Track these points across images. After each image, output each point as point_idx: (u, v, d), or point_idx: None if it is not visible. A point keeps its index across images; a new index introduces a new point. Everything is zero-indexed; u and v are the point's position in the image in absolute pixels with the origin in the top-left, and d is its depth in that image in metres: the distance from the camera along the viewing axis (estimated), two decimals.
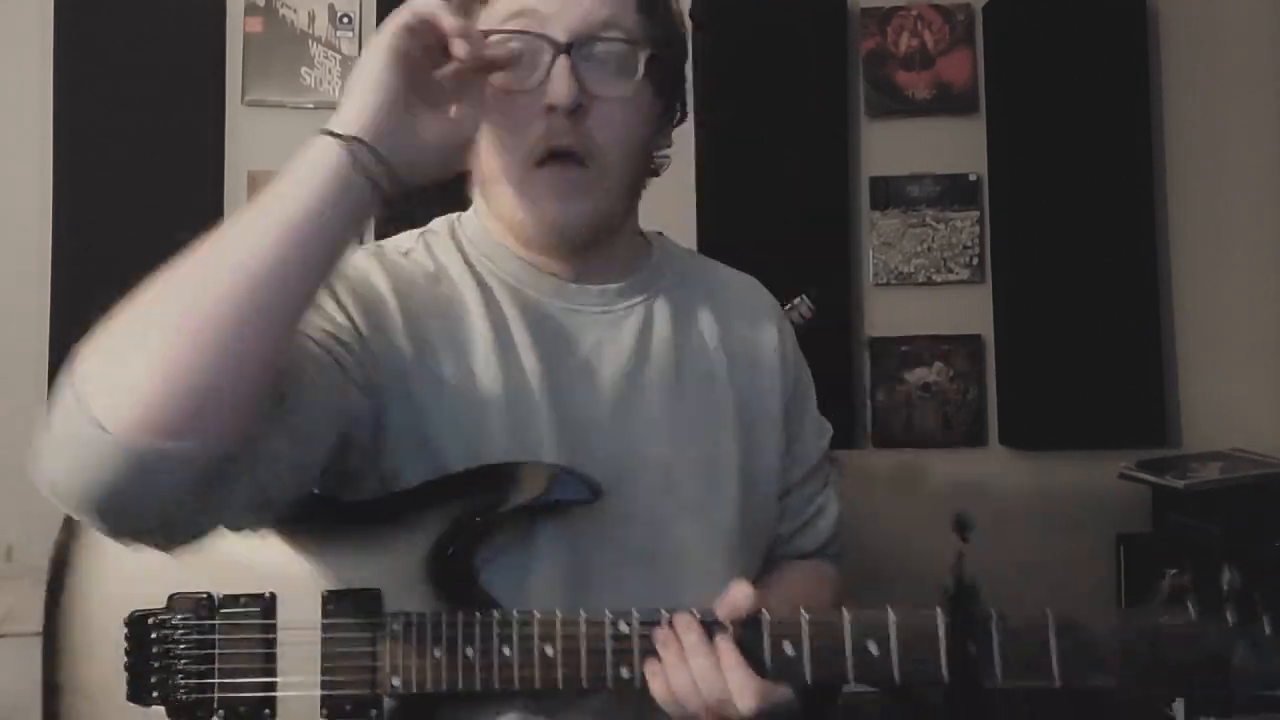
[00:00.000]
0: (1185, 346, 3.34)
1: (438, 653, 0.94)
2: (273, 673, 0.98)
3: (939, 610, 0.88)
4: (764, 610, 0.91)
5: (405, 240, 1.15)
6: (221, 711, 0.99)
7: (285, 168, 0.84)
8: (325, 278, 0.82)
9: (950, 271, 3.36)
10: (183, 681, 1.00)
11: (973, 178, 3.37)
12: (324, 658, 0.97)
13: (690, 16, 3.27)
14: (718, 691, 0.87)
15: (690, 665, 0.88)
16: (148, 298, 0.82)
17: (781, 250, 3.24)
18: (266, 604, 0.99)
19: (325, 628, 0.97)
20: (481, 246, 1.11)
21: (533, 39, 0.97)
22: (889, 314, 3.35)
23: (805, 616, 0.90)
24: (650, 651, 0.91)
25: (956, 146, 3.37)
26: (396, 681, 0.95)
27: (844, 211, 3.34)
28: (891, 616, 0.89)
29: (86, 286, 3.13)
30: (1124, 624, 0.87)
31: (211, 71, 3.28)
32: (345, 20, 3.33)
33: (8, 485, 3.06)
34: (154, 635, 1.02)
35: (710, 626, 0.90)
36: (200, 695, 0.99)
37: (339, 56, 3.32)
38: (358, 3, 3.33)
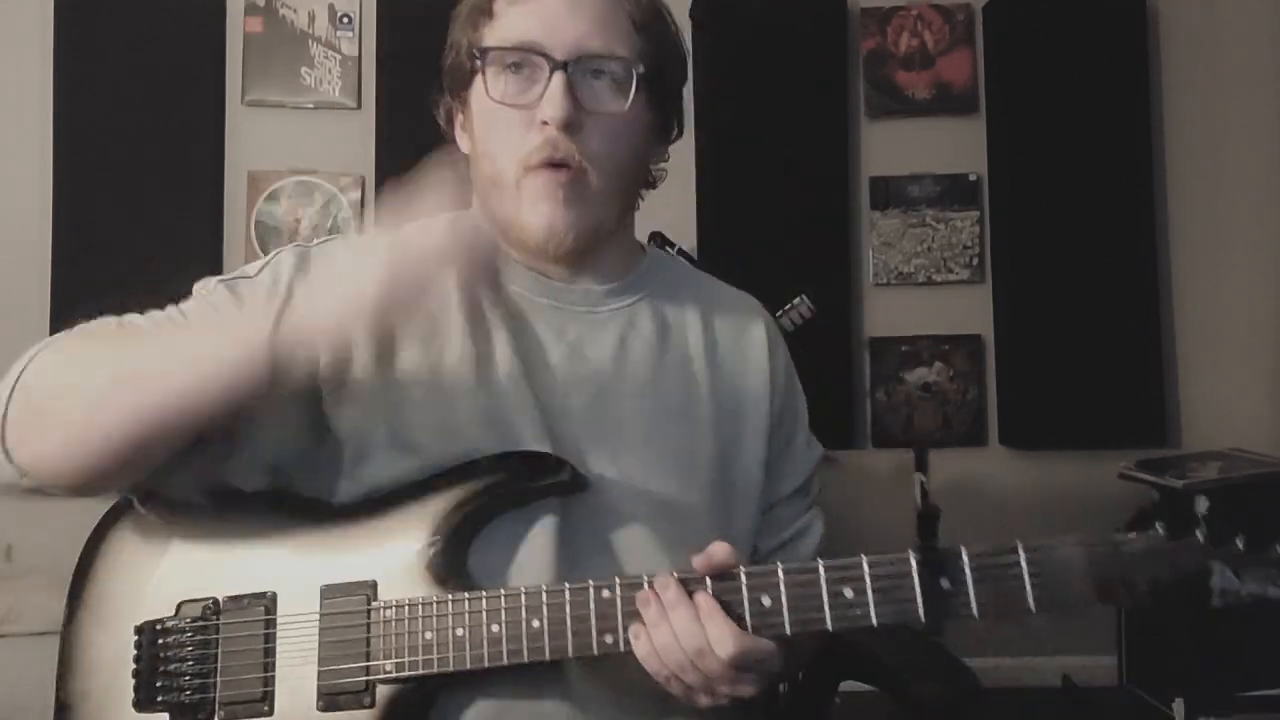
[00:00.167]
0: (1185, 346, 3.35)
1: (429, 635, 0.96)
2: (271, 667, 0.99)
3: (911, 553, 0.89)
4: (741, 566, 0.93)
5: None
6: (222, 712, 1.00)
7: (227, 323, 0.96)
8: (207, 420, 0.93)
9: (950, 271, 3.36)
10: (187, 683, 1.01)
11: (973, 178, 3.37)
12: (321, 649, 0.99)
13: (690, 16, 3.28)
14: (698, 642, 0.88)
15: (670, 619, 0.90)
16: (74, 377, 0.94)
17: (781, 250, 3.25)
18: (268, 602, 1.01)
19: (323, 619, 0.99)
20: None
21: (532, 55, 1.01)
22: (889, 314, 3.36)
23: (781, 568, 0.92)
24: (633, 616, 0.93)
25: (956, 146, 3.37)
26: (390, 666, 0.97)
27: (844, 211, 3.35)
28: (865, 562, 0.91)
29: (86, 286, 3.15)
30: (1094, 545, 0.87)
31: (211, 71, 3.29)
32: (345, 20, 3.33)
33: None
34: (161, 641, 1.03)
35: (689, 583, 0.92)
36: (202, 695, 1.01)
37: (339, 56, 3.32)
38: (358, 3, 3.34)
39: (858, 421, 3.32)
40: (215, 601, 1.02)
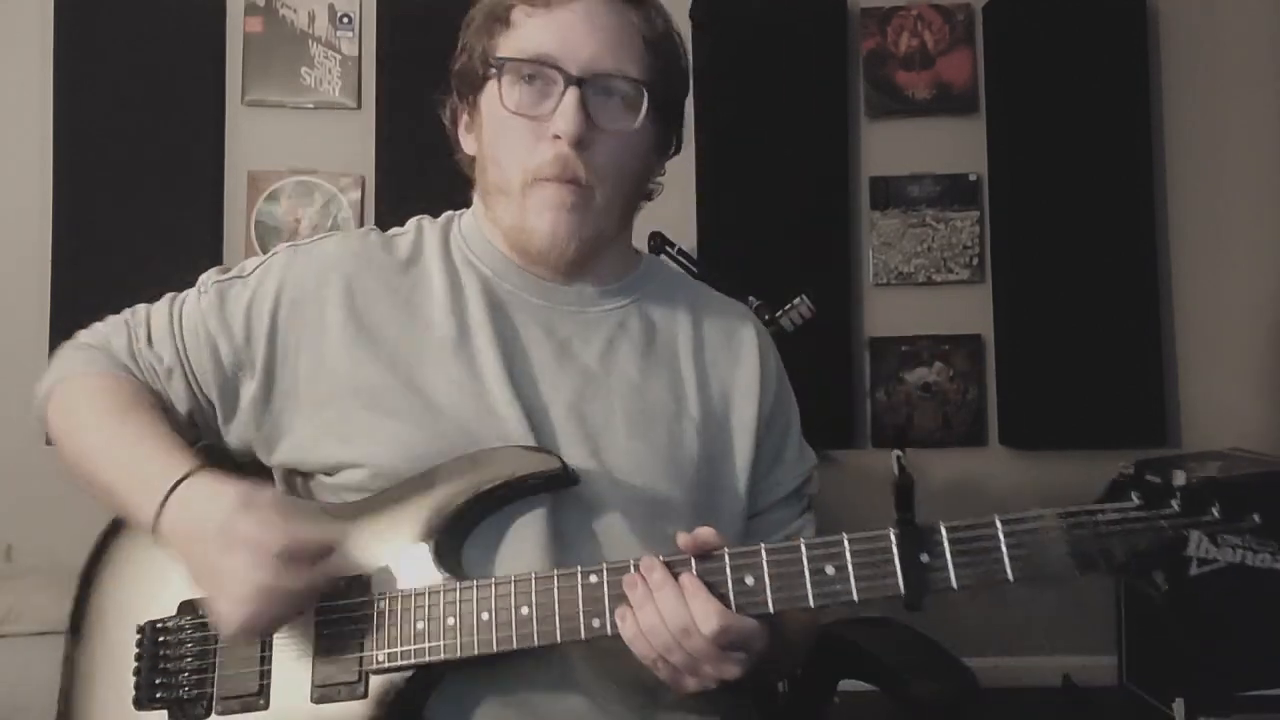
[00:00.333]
0: (1185, 346, 3.35)
1: (420, 625, 0.98)
2: (268, 661, 1.01)
3: (891, 529, 0.91)
4: (725, 547, 0.95)
5: (406, 225, 1.21)
6: (219, 706, 1.01)
7: (156, 450, 1.06)
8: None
9: (950, 271, 3.36)
10: (185, 680, 1.03)
11: (973, 178, 3.37)
12: (316, 642, 1.00)
13: (690, 16, 3.28)
14: (683, 620, 0.90)
15: (656, 600, 0.91)
16: (62, 424, 1.16)
17: (781, 250, 3.25)
18: None
19: (319, 612, 1.01)
20: (471, 241, 1.16)
21: (547, 69, 1.04)
22: (889, 314, 3.36)
23: (764, 548, 0.93)
24: (620, 600, 0.94)
25: (956, 146, 3.37)
26: (382, 657, 0.98)
27: (844, 211, 3.34)
28: (846, 539, 0.92)
29: (86, 286, 3.14)
30: (1071, 516, 0.89)
31: (211, 71, 3.29)
32: (345, 20, 3.33)
33: (8, 485, 3.08)
34: (161, 640, 1.05)
35: (674, 565, 0.93)
36: (200, 691, 1.02)
37: (339, 56, 3.32)
38: (358, 3, 3.34)
39: (858, 421, 3.32)
40: None
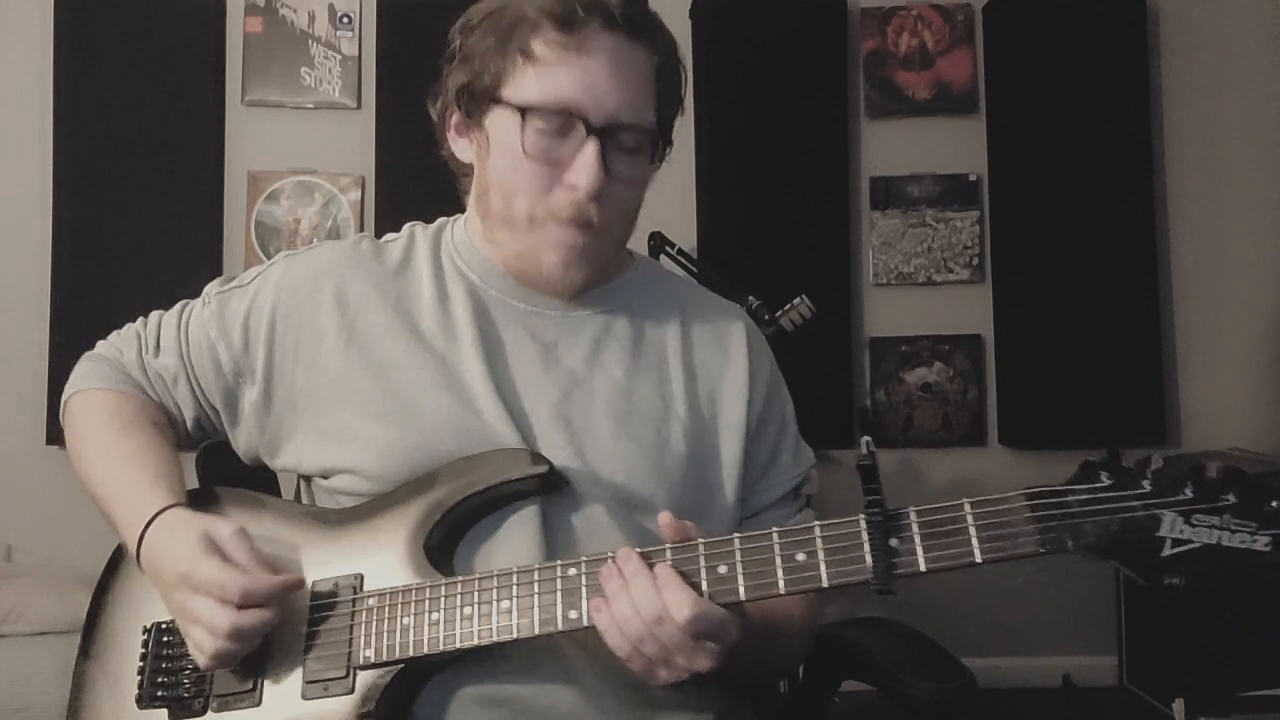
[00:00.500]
0: (1185, 346, 3.35)
1: (406, 620, 1.00)
2: (264, 659, 1.03)
3: (862, 515, 0.91)
4: (700, 538, 0.96)
5: (399, 232, 1.22)
6: (215, 703, 1.04)
7: (145, 477, 1.11)
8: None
9: (950, 271, 3.36)
10: (185, 678, 1.05)
11: (973, 178, 3.37)
12: (308, 639, 1.03)
13: (690, 16, 3.28)
14: (656, 610, 0.90)
15: (630, 589, 0.92)
16: (73, 440, 1.19)
17: (781, 250, 3.26)
18: None
19: (312, 610, 1.03)
20: (461, 248, 1.18)
21: (569, 118, 1.04)
22: (889, 314, 3.36)
23: (737, 537, 0.94)
24: (597, 591, 0.95)
25: (956, 146, 3.37)
26: (369, 653, 1.00)
27: (844, 211, 3.35)
28: (817, 526, 0.93)
29: (87, 287, 3.15)
30: (1039, 497, 0.88)
31: (211, 71, 3.29)
32: (345, 20, 3.33)
33: (8, 485, 3.09)
34: (165, 640, 1.08)
35: (650, 556, 0.94)
36: (198, 688, 1.05)
37: (339, 56, 3.32)
38: (358, 3, 3.34)
39: (857, 421, 3.32)
40: None
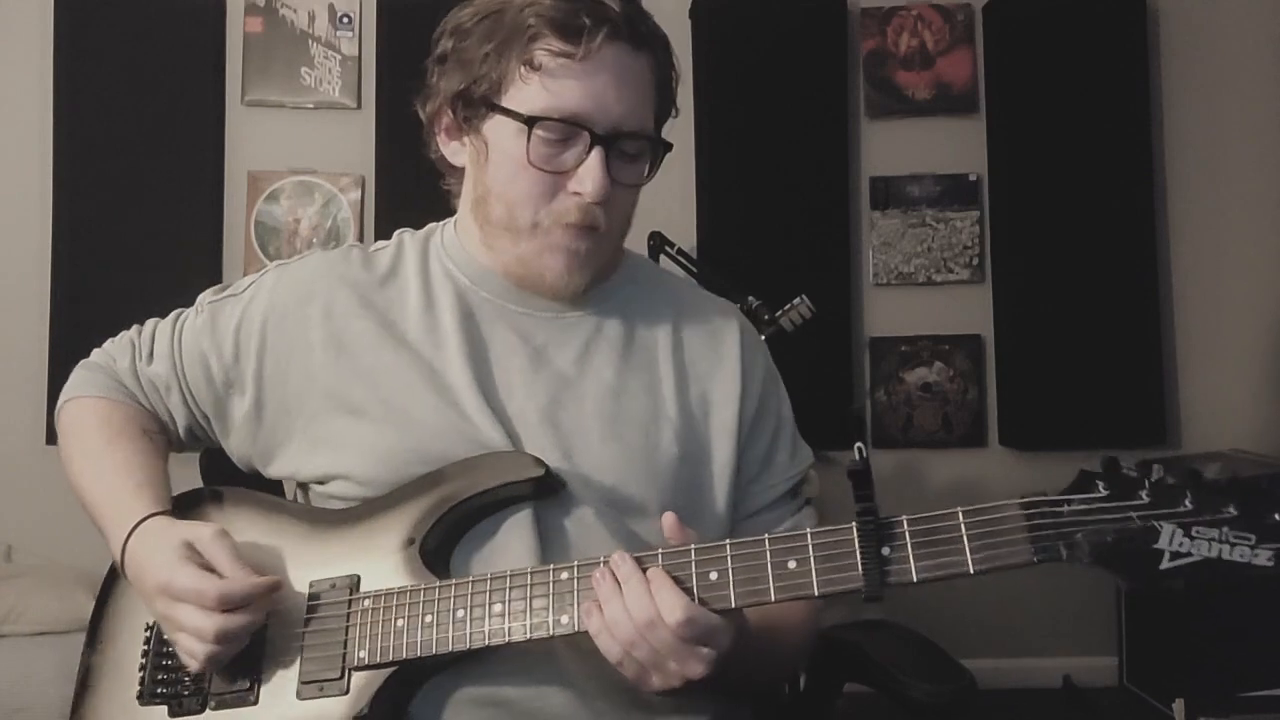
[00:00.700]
0: (1185, 346, 3.35)
1: (400, 622, 1.00)
2: (261, 658, 1.04)
3: (854, 523, 0.90)
4: (692, 543, 0.95)
5: (390, 239, 1.23)
6: (212, 701, 1.04)
7: (135, 488, 1.11)
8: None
9: (950, 271, 3.36)
10: (184, 676, 1.06)
11: (973, 178, 3.37)
12: (305, 639, 1.03)
13: (690, 16, 3.28)
14: (648, 613, 0.90)
15: (623, 592, 0.92)
16: (65, 445, 1.20)
17: (781, 250, 3.26)
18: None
19: (309, 609, 1.04)
20: (451, 251, 1.18)
21: (574, 128, 1.04)
22: (889, 314, 3.36)
23: (729, 544, 0.94)
24: (589, 596, 0.95)
25: (956, 146, 3.37)
26: (363, 654, 1.00)
27: (844, 211, 3.35)
28: (810, 534, 0.92)
29: (87, 287, 3.15)
30: (1035, 507, 0.86)
31: (211, 71, 3.29)
32: (345, 20, 3.33)
33: (8, 485, 3.08)
34: (166, 638, 1.08)
35: (642, 560, 0.94)
36: (197, 686, 1.05)
37: (339, 56, 3.32)
38: (358, 3, 3.34)
39: (850, 425, 3.31)
40: None
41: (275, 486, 1.22)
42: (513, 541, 1.04)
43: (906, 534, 0.89)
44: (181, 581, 0.99)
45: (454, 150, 1.14)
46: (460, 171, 1.15)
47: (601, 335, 1.14)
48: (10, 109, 3.24)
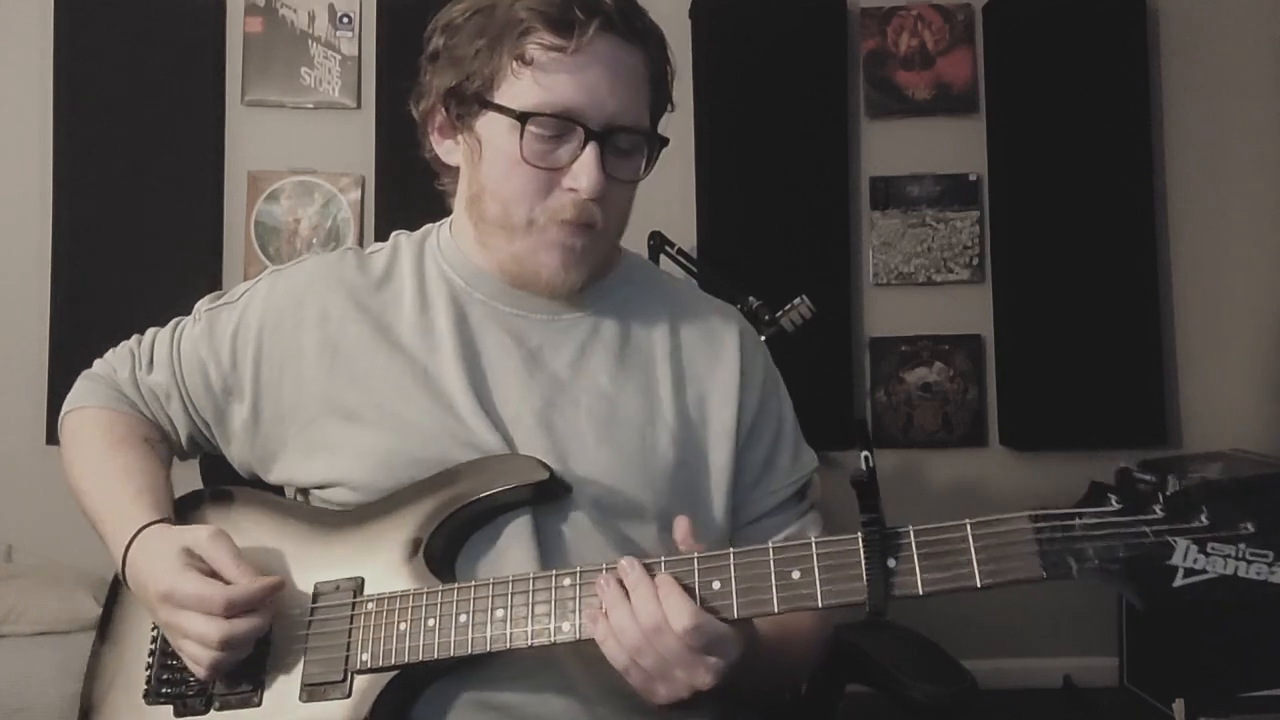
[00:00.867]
0: (1185, 347, 3.35)
1: (403, 626, 0.99)
2: (265, 660, 1.03)
3: (860, 533, 0.88)
4: (695, 551, 0.94)
5: (386, 241, 1.22)
6: (216, 702, 1.04)
7: (134, 494, 1.12)
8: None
9: (950, 271, 3.36)
10: (189, 676, 1.05)
11: (973, 178, 3.37)
12: (309, 641, 1.03)
13: (690, 16, 3.28)
14: (655, 619, 0.89)
15: (631, 598, 0.91)
16: (67, 453, 1.20)
17: (781, 250, 3.26)
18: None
19: (313, 613, 1.04)
20: (446, 252, 1.17)
21: (567, 124, 1.03)
22: (889, 314, 3.36)
23: (732, 552, 0.92)
24: (592, 603, 0.94)
25: (956, 146, 3.37)
26: (365, 657, 1.00)
27: (844, 211, 3.34)
28: (814, 543, 0.90)
29: (87, 287, 3.14)
30: (1045, 521, 0.84)
31: (211, 71, 3.29)
32: (345, 20, 3.33)
33: (8, 485, 3.08)
34: (171, 643, 1.07)
35: (649, 567, 0.93)
36: (202, 686, 1.05)
37: (339, 56, 3.32)
38: (358, 3, 3.34)
39: (855, 433, 3.32)
40: None
41: (278, 492, 1.22)
42: (512, 546, 1.03)
43: (913, 545, 0.87)
44: (185, 589, 0.99)
45: (448, 149, 1.13)
46: (455, 171, 1.14)
47: (597, 337, 1.13)
48: (10, 109, 3.24)
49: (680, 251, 2.76)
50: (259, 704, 1.03)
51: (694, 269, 2.73)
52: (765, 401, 1.17)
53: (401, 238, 1.21)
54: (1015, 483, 3.27)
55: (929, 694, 2.14)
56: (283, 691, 1.02)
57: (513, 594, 0.97)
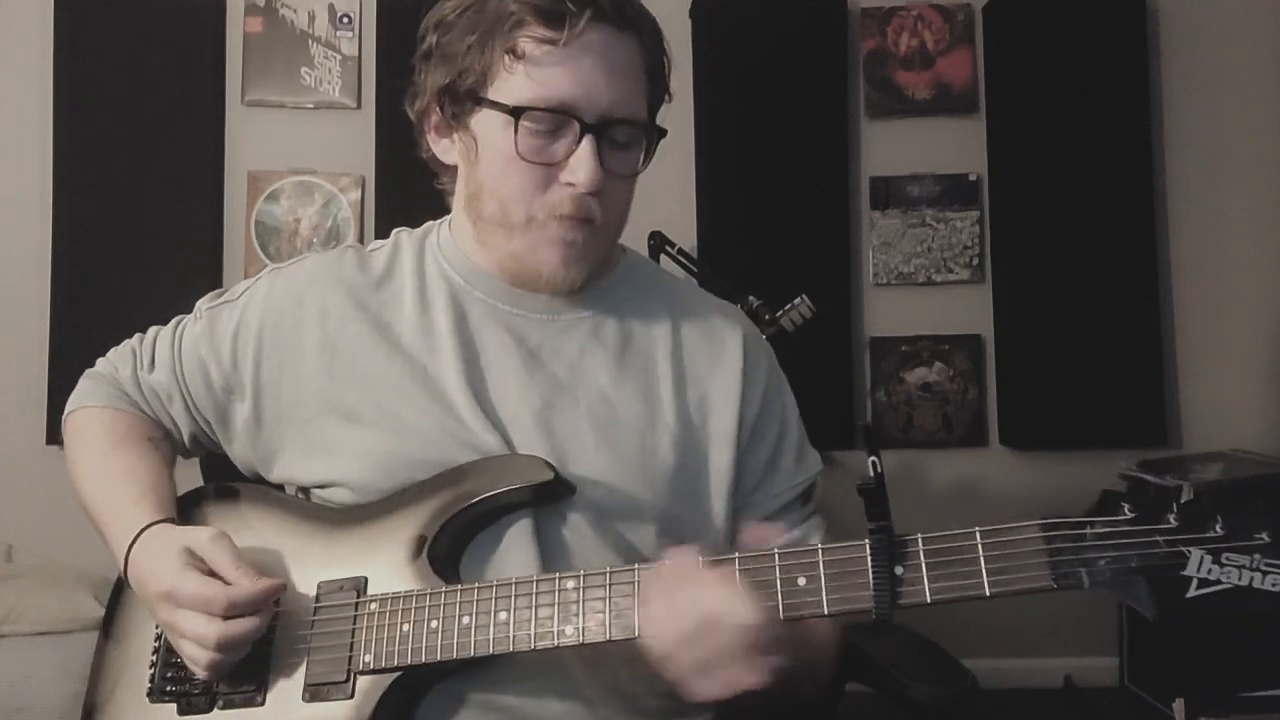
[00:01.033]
0: (1185, 347, 3.35)
1: (406, 627, 0.99)
2: (269, 659, 1.03)
3: (867, 540, 0.87)
4: (699, 554, 0.93)
5: (386, 239, 1.21)
6: (220, 701, 1.04)
7: (136, 497, 1.11)
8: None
9: (950, 271, 3.36)
10: (193, 675, 1.05)
11: (973, 178, 3.37)
12: (313, 641, 1.03)
13: (690, 16, 3.28)
14: (714, 609, 0.86)
15: (688, 586, 0.89)
16: (71, 454, 1.20)
17: (781, 250, 3.26)
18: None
19: (317, 613, 1.03)
20: (446, 251, 1.16)
21: (562, 118, 1.01)
22: (889, 314, 3.36)
23: (736, 556, 0.91)
24: (592, 608, 0.93)
25: (956, 146, 3.37)
26: (368, 658, 0.99)
27: (844, 211, 3.34)
28: (820, 549, 0.89)
29: (87, 287, 3.14)
30: (1055, 529, 0.82)
31: (211, 71, 3.29)
32: (345, 20, 3.33)
33: (8, 485, 3.08)
34: (171, 643, 1.07)
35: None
36: (206, 685, 1.05)
37: (339, 56, 3.32)
38: (358, 3, 3.34)
39: (858, 421, 3.32)
40: None
41: (280, 489, 1.22)
42: (513, 548, 1.02)
43: (921, 553, 0.86)
44: (186, 589, 0.99)
45: (444, 148, 1.12)
46: (452, 170, 1.14)
47: (598, 338, 1.12)
48: (10, 109, 3.24)
49: (680, 251, 2.76)
50: (262, 703, 1.02)
51: (694, 269, 2.72)
52: (768, 403, 1.15)
53: (403, 235, 1.20)
54: (1015, 483, 3.27)
55: (929, 694, 2.14)
56: (286, 691, 1.02)
57: (516, 596, 0.96)
